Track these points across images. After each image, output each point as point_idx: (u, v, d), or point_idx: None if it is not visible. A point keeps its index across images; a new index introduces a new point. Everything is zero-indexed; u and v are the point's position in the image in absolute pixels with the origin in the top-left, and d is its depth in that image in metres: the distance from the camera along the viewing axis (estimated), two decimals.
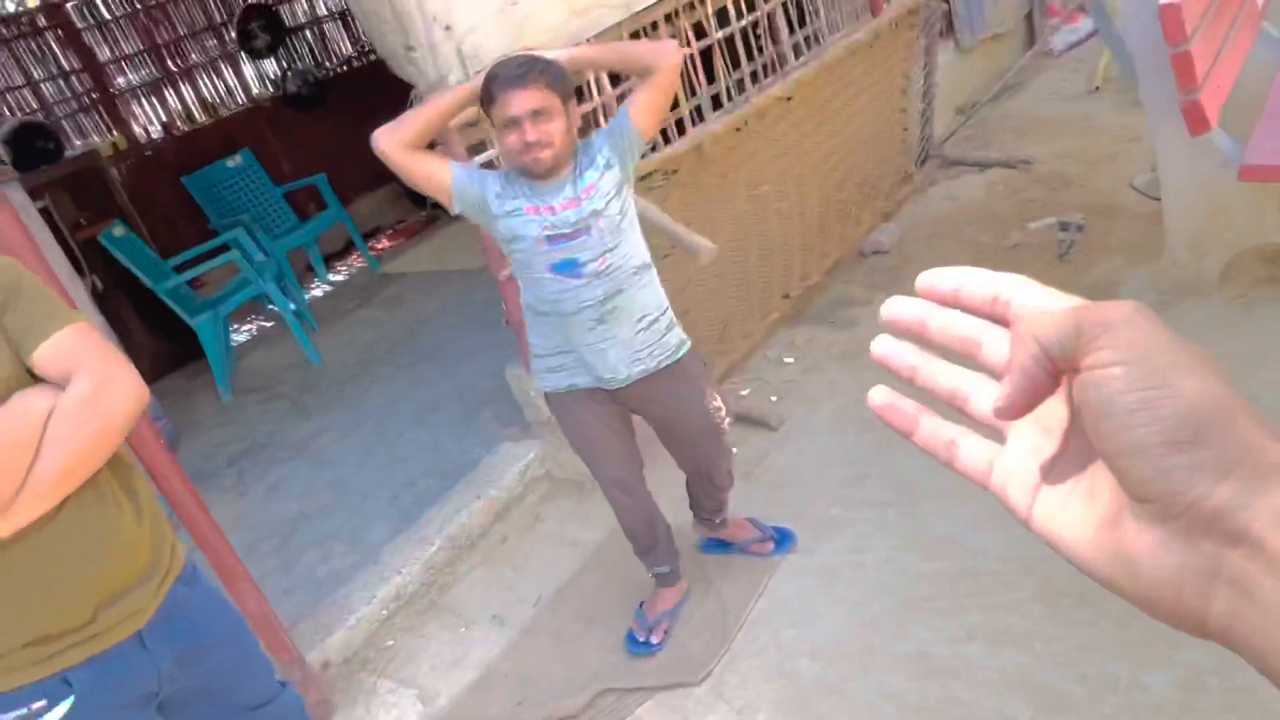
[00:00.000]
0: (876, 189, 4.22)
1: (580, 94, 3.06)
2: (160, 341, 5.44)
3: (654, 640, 2.47)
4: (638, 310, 2.10)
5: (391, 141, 2.03)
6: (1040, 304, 0.40)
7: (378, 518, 3.31)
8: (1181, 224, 3.06)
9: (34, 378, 1.37)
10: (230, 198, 6.07)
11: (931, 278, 0.44)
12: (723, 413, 2.34)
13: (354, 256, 6.50)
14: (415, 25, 2.80)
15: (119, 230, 4.82)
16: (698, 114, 3.90)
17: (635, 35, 3.59)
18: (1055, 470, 0.40)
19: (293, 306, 5.49)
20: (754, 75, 4.16)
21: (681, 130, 3.82)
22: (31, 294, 1.40)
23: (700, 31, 3.83)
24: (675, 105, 3.79)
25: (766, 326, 3.77)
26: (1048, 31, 6.10)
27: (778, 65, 4.26)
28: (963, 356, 0.44)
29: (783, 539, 2.65)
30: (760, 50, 4.18)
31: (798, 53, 4.32)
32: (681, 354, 2.20)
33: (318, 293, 6.23)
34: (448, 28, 2.87)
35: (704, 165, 3.20)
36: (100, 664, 1.45)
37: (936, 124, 4.70)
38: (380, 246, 6.77)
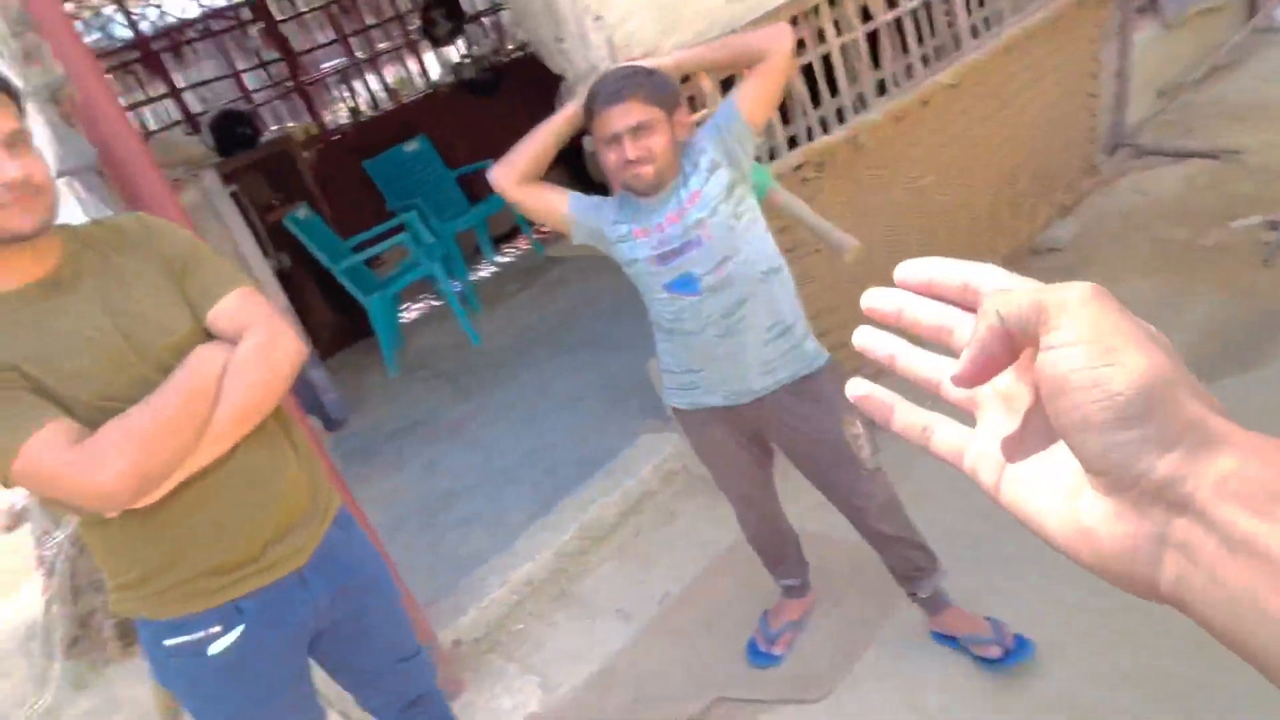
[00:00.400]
0: (1055, 180, 3.91)
1: (693, 102, 2.95)
2: (338, 317, 5.78)
3: (776, 651, 2.40)
4: (767, 318, 1.95)
5: (506, 177, 2.02)
6: (1007, 288, 0.41)
7: (518, 502, 3.38)
8: None
9: (209, 336, 1.51)
10: (407, 181, 6.35)
11: (906, 269, 0.46)
12: (862, 440, 2.06)
13: (520, 239, 6.67)
14: (565, 16, 2.80)
15: (303, 212, 5.13)
16: (861, 102, 3.74)
17: (795, 20, 3.46)
18: (1021, 447, 0.42)
19: (458, 287, 5.71)
20: (924, 59, 3.94)
21: (842, 119, 3.67)
22: (207, 260, 1.55)
23: (867, 14, 3.66)
24: (834, 92, 3.65)
25: None
26: (1272, 3, 5.46)
27: (954, 47, 4.01)
28: (937, 343, 0.46)
29: (1018, 649, 2.13)
30: (933, 33, 3.95)
31: (975, 34, 4.06)
32: (819, 364, 2.03)
33: (484, 274, 6.43)
34: (598, 18, 2.85)
35: (860, 157, 3.06)
36: (267, 596, 1.56)
37: (1133, 109, 4.30)
38: (546, 230, 6.91)
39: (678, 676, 2.48)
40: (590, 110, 1.87)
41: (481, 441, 3.98)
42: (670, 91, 1.89)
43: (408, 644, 1.94)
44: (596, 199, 2.05)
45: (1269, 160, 3.90)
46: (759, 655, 2.41)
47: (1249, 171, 3.87)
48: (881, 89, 3.48)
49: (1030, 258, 3.89)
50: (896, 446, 3.00)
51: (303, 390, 4.51)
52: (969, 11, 3.99)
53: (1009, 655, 2.12)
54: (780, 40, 1.88)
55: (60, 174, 2.04)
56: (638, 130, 1.82)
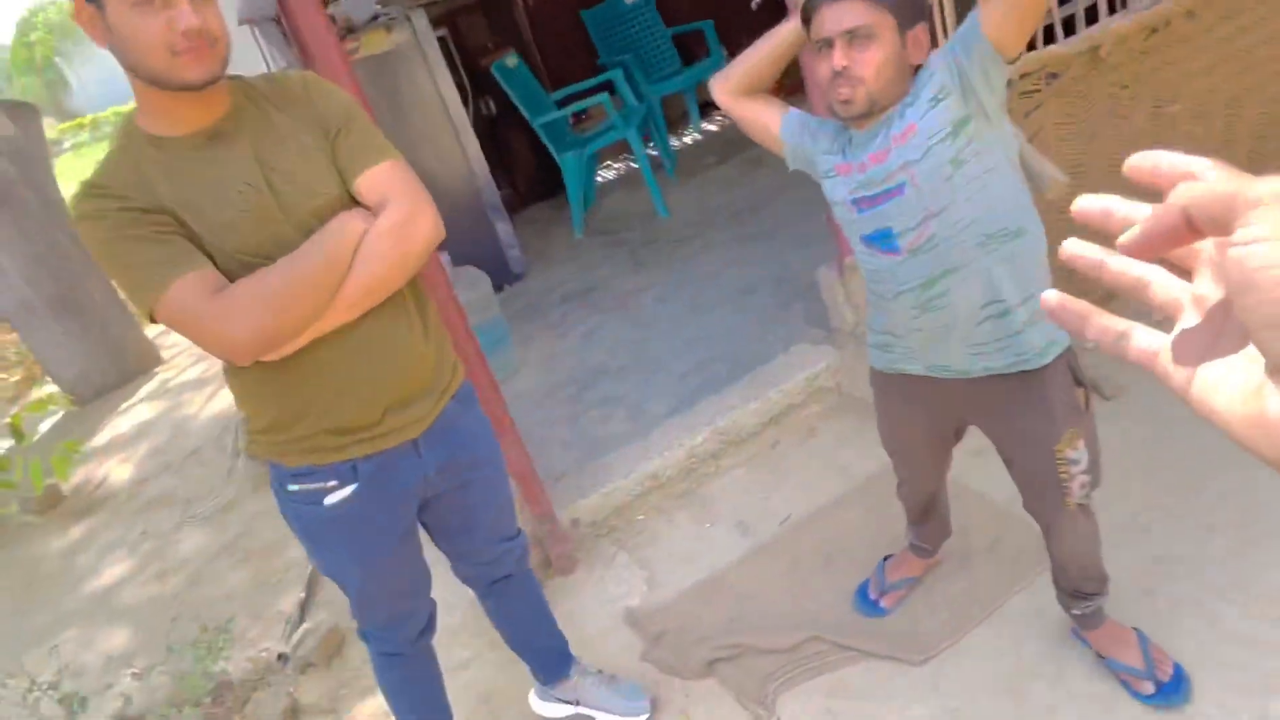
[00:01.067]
0: None
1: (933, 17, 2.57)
2: (541, 169, 5.83)
3: (885, 604, 2.28)
4: (981, 295, 1.59)
5: (720, 87, 1.82)
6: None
7: (664, 390, 3.34)
8: None
9: (354, 202, 1.53)
10: (621, 36, 6.19)
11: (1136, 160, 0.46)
12: (1078, 469, 1.72)
13: None
14: None
15: (511, 61, 5.11)
16: (1111, 4, 3.22)
17: None
18: (1210, 346, 0.42)
19: (654, 152, 5.59)
20: None
21: (1093, 18, 3.18)
22: (361, 127, 1.56)
23: None
24: None
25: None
26: None
27: None
28: (1133, 298, 0.47)
29: (1172, 687, 1.85)
30: None
31: None
32: (1046, 360, 1.63)
33: (688, 140, 6.26)
34: None
35: (1100, 72, 2.64)
36: (382, 460, 1.63)
37: None
38: None
39: (781, 605, 2.42)
40: (806, 9, 1.59)
41: (644, 320, 3.95)
42: None
43: (507, 526, 1.99)
44: (815, 120, 1.76)
45: None
46: (868, 603, 2.31)
47: None
48: None
49: None
50: None
51: (486, 242, 4.62)
52: None
53: (1162, 691, 1.85)
54: None
55: (241, 22, 2.09)
56: (854, 36, 1.50)
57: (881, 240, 1.65)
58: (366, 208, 1.52)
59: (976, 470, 2.46)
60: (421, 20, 4.22)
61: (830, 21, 1.53)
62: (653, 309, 4.02)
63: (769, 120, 1.80)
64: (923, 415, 1.90)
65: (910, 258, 1.62)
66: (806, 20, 1.61)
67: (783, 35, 1.75)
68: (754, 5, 2.86)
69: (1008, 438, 1.79)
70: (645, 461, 2.90)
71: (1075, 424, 1.69)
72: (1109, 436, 2.60)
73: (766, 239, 4.32)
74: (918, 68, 1.60)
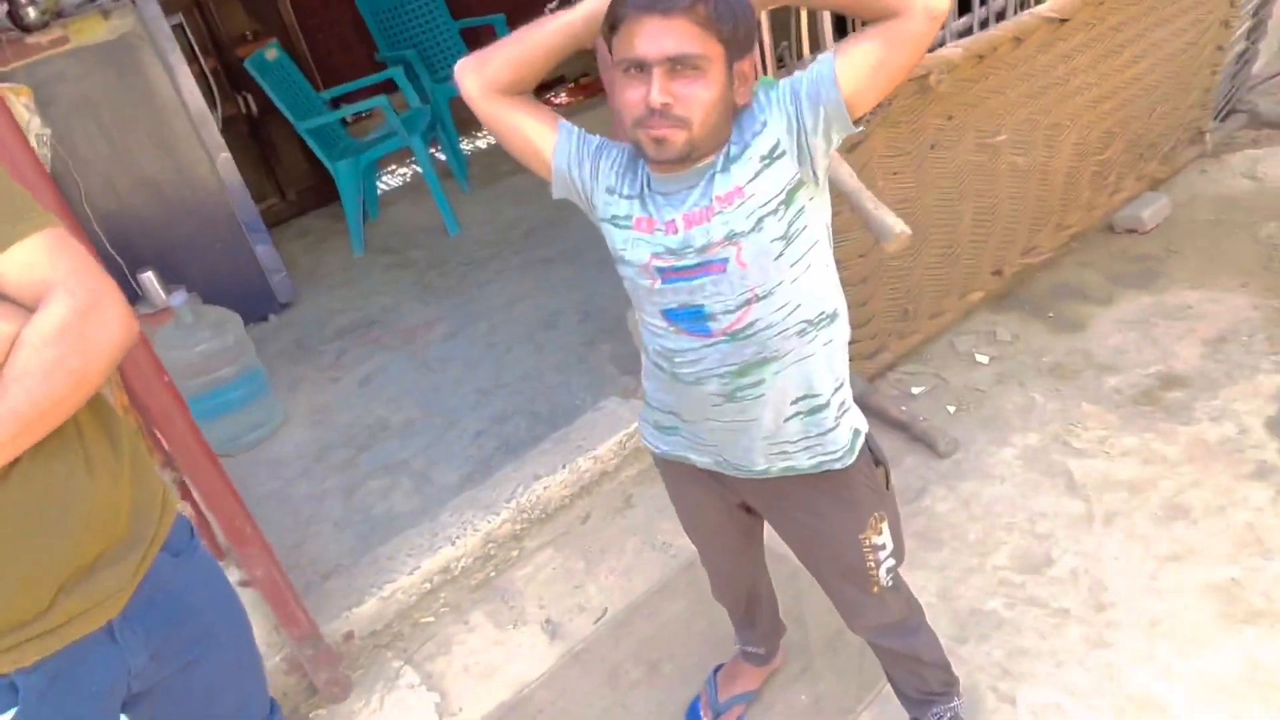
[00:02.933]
0: (1153, 148, 3.24)
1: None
2: (313, 171, 5.14)
3: None
4: (794, 389, 1.35)
5: (475, 82, 1.36)
6: None
7: (457, 454, 2.88)
8: None
9: None
10: (404, 29, 5.58)
11: None
12: (883, 553, 1.51)
13: None
14: None
15: (272, 54, 4.43)
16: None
17: None
18: None
19: (441, 158, 5.06)
20: None
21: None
22: None
23: None
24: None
25: (964, 307, 2.99)
26: None
27: None
28: None
29: None
30: None
31: None
32: (852, 459, 1.42)
33: (481, 145, 5.76)
34: None
35: (928, 102, 2.40)
36: (58, 664, 1.15)
37: (1254, 67, 3.57)
38: (557, 101, 6.18)
39: None
40: (615, 14, 1.20)
41: (432, 361, 3.45)
42: (742, 20, 1.20)
43: (254, 708, 1.49)
44: (599, 141, 1.39)
45: None
46: None
47: None
48: (964, 7, 2.78)
49: (1104, 237, 3.26)
50: (914, 474, 2.47)
51: (243, 268, 3.96)
52: None
53: None
54: None
55: None
56: (678, 64, 1.16)
57: (689, 319, 1.32)
58: (15, 303, 1.04)
59: (792, 579, 2.16)
60: (151, 4, 3.51)
61: (648, 41, 1.16)
62: (443, 348, 3.52)
63: (535, 134, 1.39)
64: (716, 499, 1.59)
65: (724, 342, 1.31)
66: (612, 26, 1.22)
67: (569, 25, 1.33)
68: (548, 9, 2.40)
69: (805, 540, 1.55)
70: (434, 550, 2.43)
71: (878, 507, 1.48)
72: (945, 503, 2.39)
73: (568, 262, 3.92)
74: (741, 108, 1.26)
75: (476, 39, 5.93)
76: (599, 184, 1.36)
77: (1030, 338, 2.91)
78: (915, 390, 2.80)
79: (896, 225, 1.99)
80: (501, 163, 5.33)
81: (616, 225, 1.34)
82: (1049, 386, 2.69)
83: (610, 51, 1.24)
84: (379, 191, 5.17)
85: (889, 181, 2.46)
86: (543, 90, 6.17)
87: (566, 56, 1.40)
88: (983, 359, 2.87)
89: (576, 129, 1.40)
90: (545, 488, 2.56)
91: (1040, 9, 2.46)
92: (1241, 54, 3.38)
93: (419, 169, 5.36)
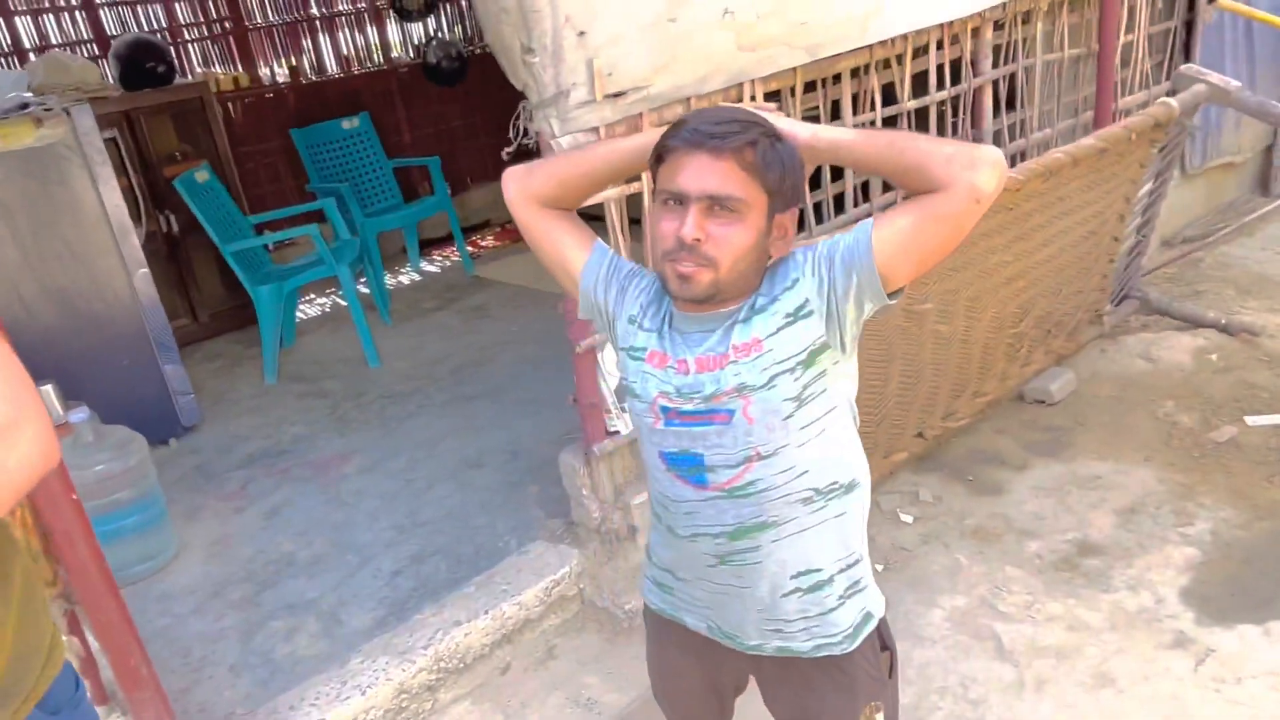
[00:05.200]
0: (1059, 325, 3.45)
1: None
2: (230, 296, 5.02)
3: None
4: (794, 563, 1.28)
5: (519, 188, 1.39)
6: None
7: (369, 595, 2.72)
8: None
9: None
10: (337, 162, 5.64)
11: None
12: None
13: (452, 249, 5.99)
14: (542, 23, 2.21)
15: (202, 175, 4.40)
16: (864, 193, 3.22)
17: (811, 86, 2.93)
18: None
19: (366, 290, 5.02)
20: None
21: (841, 208, 3.15)
22: None
23: (889, 96, 3.15)
24: (838, 175, 3.13)
25: (889, 467, 3.04)
26: None
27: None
28: None
29: None
30: (955, 130, 3.47)
31: (998, 141, 3.60)
32: (855, 645, 1.33)
33: (404, 280, 5.74)
34: (582, 33, 2.27)
35: None
36: None
37: (1144, 259, 3.88)
38: (483, 244, 6.26)
39: None
40: (664, 145, 1.22)
41: (345, 495, 3.30)
42: (790, 172, 1.21)
43: None
44: (631, 268, 1.39)
45: None
46: None
47: (1268, 360, 3.47)
48: (889, 185, 2.97)
49: (1016, 406, 3.41)
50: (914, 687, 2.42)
51: (149, 386, 3.78)
52: (996, 113, 3.54)
53: None
54: (977, 169, 1.13)
55: None
56: (717, 203, 1.17)
57: (686, 466, 1.28)
58: None
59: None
60: (86, 117, 3.45)
61: (691, 175, 1.18)
62: (357, 482, 3.38)
63: (569, 251, 1.40)
64: (699, 672, 1.51)
65: (721, 498, 1.27)
66: (659, 158, 1.23)
67: (619, 151, 1.36)
68: (504, 155, 2.46)
69: (793, 717, 1.45)
70: (342, 700, 2.25)
71: (877, 696, 1.39)
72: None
73: (493, 400, 3.87)
74: (774, 262, 1.27)
75: (408, 178, 6.05)
76: (623, 311, 1.35)
77: (952, 500, 2.97)
78: None
79: None
80: (425, 299, 5.32)
81: (632, 356, 1.33)
82: (973, 549, 2.73)
83: (654, 182, 1.26)
84: (298, 319, 5.06)
85: None
86: (471, 232, 6.26)
87: (611, 182, 1.44)
88: (907, 519, 2.90)
89: (611, 252, 1.41)
90: (465, 634, 2.42)
91: None
92: (1134, 246, 3.68)
93: (340, 299, 5.31)
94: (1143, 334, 3.75)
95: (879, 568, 2.69)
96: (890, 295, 1.21)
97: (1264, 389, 3.29)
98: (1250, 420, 3.10)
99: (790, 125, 1.25)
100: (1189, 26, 4.29)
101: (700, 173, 1.17)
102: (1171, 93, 3.27)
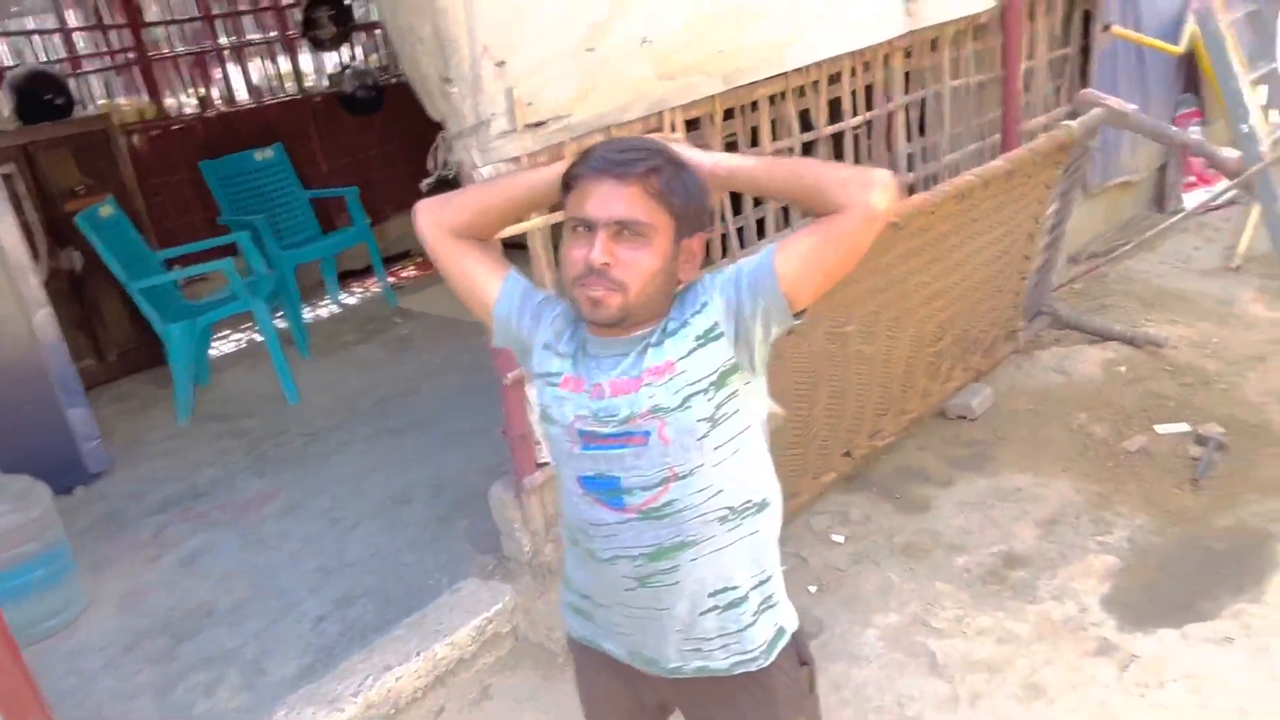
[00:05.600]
0: (976, 342, 3.54)
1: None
2: (140, 333, 4.82)
3: None
4: (712, 581, 1.30)
5: (431, 221, 1.39)
6: None
7: (292, 642, 2.62)
8: None
9: None
10: (251, 194, 5.50)
11: None
12: None
13: (373, 281, 5.89)
14: (459, 52, 2.19)
15: (106, 210, 4.24)
16: (785, 219, 3.27)
17: (730, 113, 2.97)
18: None
19: (283, 325, 4.88)
20: None
21: (763, 232, 3.19)
22: None
23: (806, 122, 3.21)
24: (758, 202, 3.17)
25: (818, 488, 3.07)
26: (1180, 188, 5.44)
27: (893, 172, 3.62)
28: None
29: None
30: (870, 154, 3.55)
31: (912, 164, 3.70)
32: (771, 659, 1.35)
33: (323, 313, 5.62)
34: (501, 63, 2.26)
35: None
36: None
37: (1053, 276, 4.02)
38: (405, 274, 6.17)
39: None
40: (573, 174, 1.25)
41: (267, 538, 3.19)
42: (695, 199, 1.26)
43: None
44: (545, 295, 1.41)
45: (1190, 360, 3.66)
46: None
47: (1172, 370, 3.61)
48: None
49: (939, 423, 3.48)
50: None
51: (52, 432, 3.61)
52: (909, 138, 3.63)
53: None
54: (870, 190, 1.18)
55: None
56: (624, 229, 1.21)
57: (604, 489, 1.29)
58: None
59: None
60: None
61: (598, 202, 1.21)
62: (279, 524, 3.27)
63: (483, 280, 1.40)
64: (627, 694, 1.49)
65: (638, 520, 1.28)
66: (568, 186, 1.26)
67: (533, 183, 1.38)
68: (423, 186, 2.42)
69: None
70: None
71: (799, 712, 1.42)
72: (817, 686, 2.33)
73: (419, 434, 3.79)
74: (683, 287, 1.30)
75: (325, 210, 5.93)
76: (538, 338, 1.36)
77: (881, 518, 3.01)
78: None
79: (772, 405, 2.06)
80: (346, 332, 5.21)
81: (548, 382, 1.33)
82: (903, 566, 2.76)
83: (565, 210, 1.27)
84: (211, 355, 4.90)
85: None
86: (391, 263, 6.16)
87: (525, 212, 1.46)
88: (839, 538, 2.93)
89: (525, 280, 1.42)
90: (397, 679, 2.35)
91: None
92: (1043, 264, 3.80)
93: (257, 335, 5.15)
94: (1055, 348, 3.87)
95: (812, 589, 2.71)
96: (795, 316, 1.26)
97: (1170, 398, 3.42)
98: (1159, 429, 3.22)
99: (693, 154, 1.30)
100: (1085, 53, 4.48)
101: (607, 199, 1.20)
102: (1072, 116, 3.40)
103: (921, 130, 3.75)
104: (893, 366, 3.14)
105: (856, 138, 3.45)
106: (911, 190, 3.50)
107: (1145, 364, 3.67)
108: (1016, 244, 3.44)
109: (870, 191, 1.18)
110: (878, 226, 1.21)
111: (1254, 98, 4.64)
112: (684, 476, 1.25)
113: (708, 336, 1.25)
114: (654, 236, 1.22)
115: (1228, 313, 4.09)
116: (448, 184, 2.38)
